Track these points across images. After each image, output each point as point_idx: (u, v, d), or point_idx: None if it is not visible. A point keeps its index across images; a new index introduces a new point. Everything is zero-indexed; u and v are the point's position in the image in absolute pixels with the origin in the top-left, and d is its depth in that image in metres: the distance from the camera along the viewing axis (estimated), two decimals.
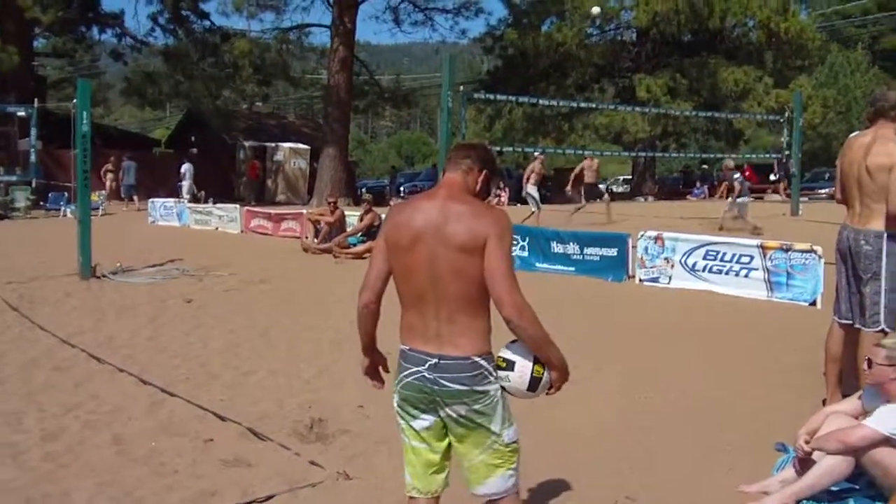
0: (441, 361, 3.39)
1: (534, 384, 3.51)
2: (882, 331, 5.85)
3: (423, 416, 3.52)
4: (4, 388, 7.49)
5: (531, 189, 21.23)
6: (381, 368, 3.84)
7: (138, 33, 39.26)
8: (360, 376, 7.61)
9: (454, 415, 3.43)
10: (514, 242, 14.01)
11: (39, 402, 6.99)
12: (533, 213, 20.44)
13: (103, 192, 30.11)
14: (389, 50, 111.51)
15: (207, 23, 38.39)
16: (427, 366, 3.41)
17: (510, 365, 3.50)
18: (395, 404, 3.59)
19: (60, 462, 5.65)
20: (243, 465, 5.60)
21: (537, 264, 13.55)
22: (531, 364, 3.48)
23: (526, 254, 13.79)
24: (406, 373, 3.47)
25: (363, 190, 38.15)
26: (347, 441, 6.04)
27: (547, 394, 3.61)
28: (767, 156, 30.94)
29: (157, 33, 38.85)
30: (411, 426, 3.57)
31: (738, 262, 11.38)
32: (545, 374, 3.50)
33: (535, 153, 24.03)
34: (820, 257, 10.32)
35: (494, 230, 3.34)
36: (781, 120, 24.95)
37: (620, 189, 38.37)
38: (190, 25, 38.18)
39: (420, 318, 3.44)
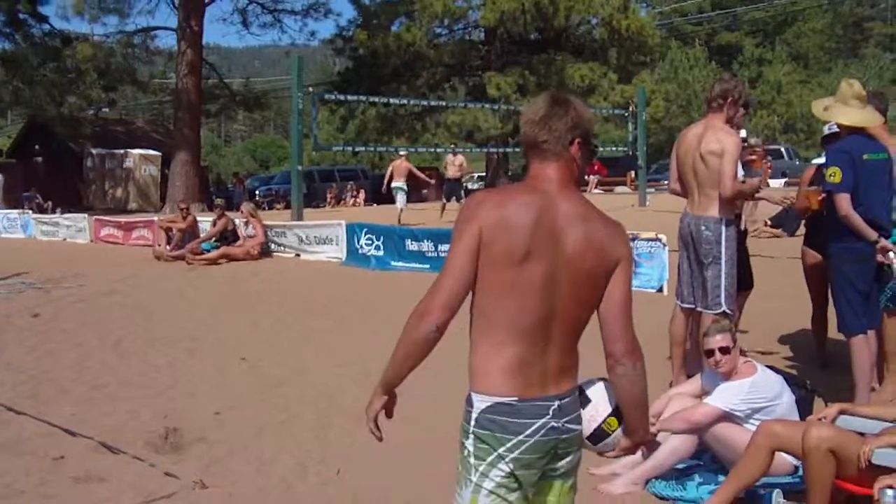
0: (562, 402, 2.65)
1: (597, 436, 2.78)
2: (723, 312, 6.13)
3: (527, 488, 2.68)
4: None
5: (400, 183, 21.49)
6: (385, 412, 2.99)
7: None
8: (216, 383, 7.61)
9: (563, 467, 2.73)
10: (369, 242, 14.08)
11: None
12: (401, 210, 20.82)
13: None
14: (241, 53, 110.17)
15: (47, 26, 37.06)
16: (552, 413, 2.62)
17: (584, 401, 2.79)
18: (495, 485, 2.61)
19: None
20: (95, 480, 5.46)
21: (393, 262, 13.63)
22: (607, 413, 2.78)
23: (381, 253, 13.85)
24: (528, 431, 2.58)
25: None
26: (204, 449, 5.97)
27: (600, 454, 2.92)
28: (615, 149, 31.74)
29: None
30: None
31: None
32: (616, 431, 2.79)
33: (402, 151, 24.23)
34: (665, 245, 10.67)
35: (626, 251, 2.75)
36: (626, 114, 25.75)
37: (476, 186, 38.78)
38: (28, 30, 36.76)
39: (531, 355, 2.60)
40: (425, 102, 32.72)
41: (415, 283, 12.84)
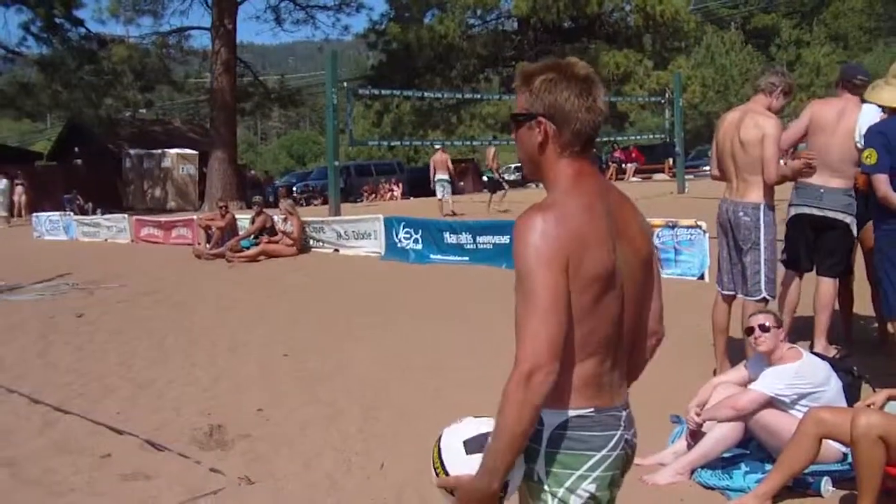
0: (627, 411, 2.42)
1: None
2: (763, 299, 6.07)
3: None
4: None
5: (443, 176, 21.72)
6: None
7: (10, 43, 38.07)
8: (259, 380, 7.65)
9: (620, 483, 2.44)
10: (408, 235, 14.07)
11: None
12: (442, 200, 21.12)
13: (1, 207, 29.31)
14: (274, 50, 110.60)
15: (83, 30, 37.43)
16: (623, 423, 2.37)
17: None
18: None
19: None
20: (142, 477, 5.51)
21: (432, 256, 13.60)
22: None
23: (420, 246, 13.83)
24: (611, 445, 2.31)
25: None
26: (248, 446, 5.99)
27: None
28: (652, 137, 31.56)
29: (30, 42, 37.69)
30: None
31: None
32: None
33: (436, 146, 24.28)
34: (705, 232, 10.57)
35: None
36: (663, 101, 25.56)
37: (512, 177, 38.68)
38: (65, 33, 37.14)
39: (606, 363, 2.32)
40: (460, 94, 32.70)
41: (454, 276, 12.96)
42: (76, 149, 42.29)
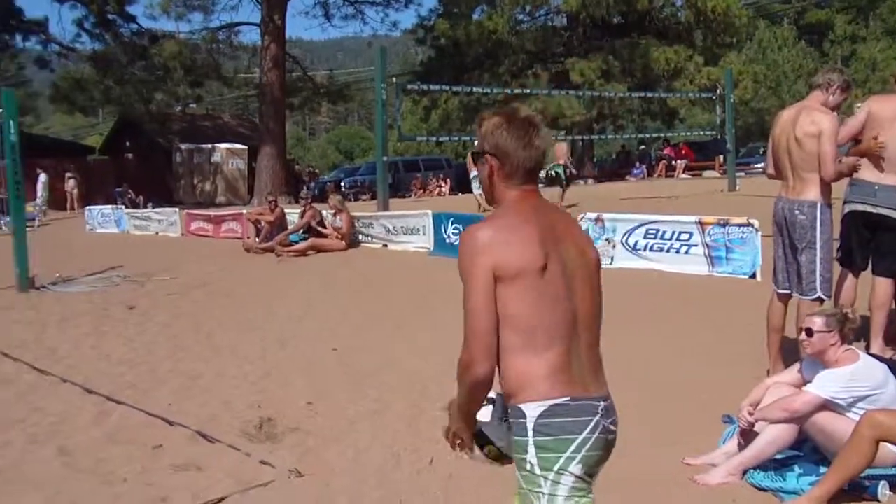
0: (606, 403, 2.69)
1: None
2: (818, 299, 5.98)
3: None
4: None
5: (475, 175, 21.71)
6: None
7: (64, 39, 38.60)
8: (307, 373, 7.68)
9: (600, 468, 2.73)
10: (457, 231, 14.05)
11: None
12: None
13: (38, 202, 29.63)
14: (323, 46, 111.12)
15: (135, 26, 37.86)
16: (601, 412, 2.64)
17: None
18: (568, 490, 2.58)
19: (5, 478, 5.55)
20: (193, 468, 5.55)
21: None
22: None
23: None
24: (589, 428, 2.59)
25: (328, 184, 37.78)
26: (297, 439, 6.01)
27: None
28: (703, 133, 31.26)
29: (83, 38, 38.22)
30: None
31: (677, 239, 11.49)
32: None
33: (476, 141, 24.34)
34: (757, 230, 10.45)
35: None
36: (714, 97, 25.33)
37: (553, 173, 38.61)
38: (117, 29, 37.62)
39: (568, 357, 2.62)
40: (508, 90, 32.54)
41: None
42: (127, 143, 42.82)
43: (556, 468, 2.55)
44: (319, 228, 16.01)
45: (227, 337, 9.58)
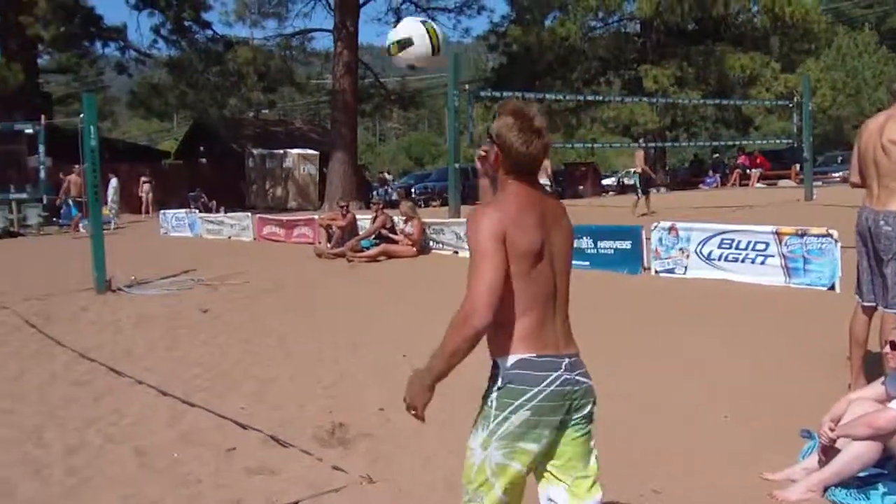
0: (572, 360, 3.15)
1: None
2: None
3: (547, 435, 3.09)
4: (25, 404, 7.49)
5: (544, 182, 21.81)
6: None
7: (142, 46, 39.52)
8: (379, 379, 7.67)
9: (578, 418, 3.16)
10: None
11: (60, 417, 7.00)
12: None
13: (115, 205, 30.19)
14: None
15: (210, 32, 38.58)
16: (564, 367, 3.09)
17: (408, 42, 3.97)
18: (510, 431, 3.05)
19: (82, 476, 5.64)
20: (266, 472, 5.58)
21: None
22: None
23: None
24: (546, 382, 3.03)
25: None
26: (369, 445, 6.00)
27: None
28: (779, 141, 30.73)
29: (160, 45, 39.11)
30: (534, 452, 3.09)
31: (753, 249, 11.30)
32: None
33: None
34: (836, 241, 10.23)
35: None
36: (791, 105, 24.87)
37: (632, 181, 38.34)
38: (193, 36, 38.35)
39: (544, 323, 3.11)
40: (581, 97, 32.41)
41: (574, 281, 12.71)
42: (201, 148, 43.45)
43: (507, 411, 3.05)
44: (390, 234, 16.06)
45: (298, 341, 9.63)
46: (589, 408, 3.20)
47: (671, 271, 12.17)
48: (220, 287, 13.83)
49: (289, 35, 38.36)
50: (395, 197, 34.78)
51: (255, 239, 22.16)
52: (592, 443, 3.23)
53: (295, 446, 5.99)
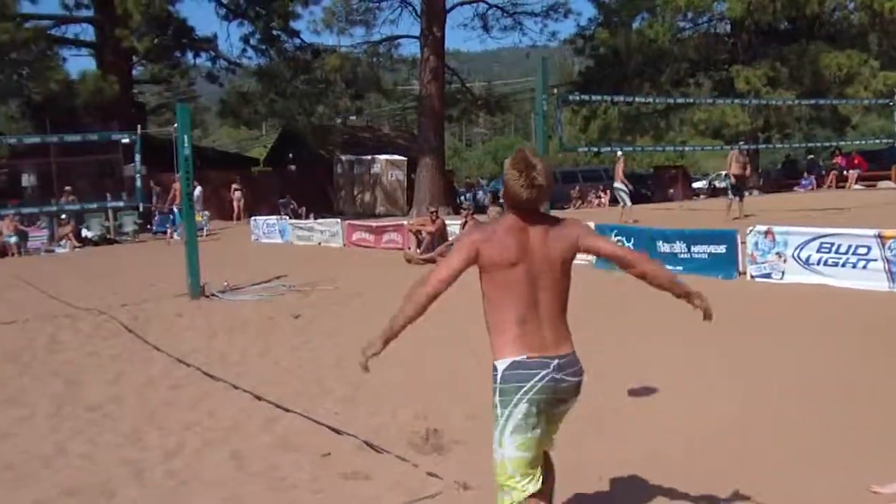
0: (561, 361, 3.74)
1: None
2: None
3: (545, 416, 3.82)
4: (124, 407, 7.63)
5: (620, 185, 22.03)
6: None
7: (231, 55, 40.21)
8: (473, 385, 7.61)
9: (558, 413, 3.89)
10: (619, 242, 13.78)
11: (158, 421, 7.11)
12: (625, 208, 21.48)
13: (207, 212, 30.73)
14: (479, 57, 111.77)
15: (298, 41, 39.03)
16: (552, 367, 3.71)
17: None
18: (517, 421, 3.72)
19: (181, 479, 5.72)
20: (361, 477, 5.57)
21: None
22: None
23: None
24: (536, 378, 3.68)
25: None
26: (463, 451, 5.95)
27: None
28: (878, 141, 29.89)
29: (249, 54, 39.70)
30: (537, 437, 3.79)
31: (854, 253, 10.97)
32: None
33: (619, 152, 24.05)
34: None
35: (578, 230, 3.95)
36: (891, 104, 24.18)
37: (723, 184, 37.65)
38: (281, 45, 38.84)
39: (529, 330, 3.74)
40: (670, 100, 31.98)
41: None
42: (290, 155, 43.95)
43: (509, 406, 3.69)
44: None
45: (390, 347, 9.60)
46: (571, 402, 3.87)
47: (768, 276, 11.88)
48: (311, 293, 13.94)
49: (376, 42, 38.60)
50: (486, 202, 34.69)
51: (344, 245, 22.32)
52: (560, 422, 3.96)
53: (389, 452, 5.99)
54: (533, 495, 3.85)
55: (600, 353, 7.65)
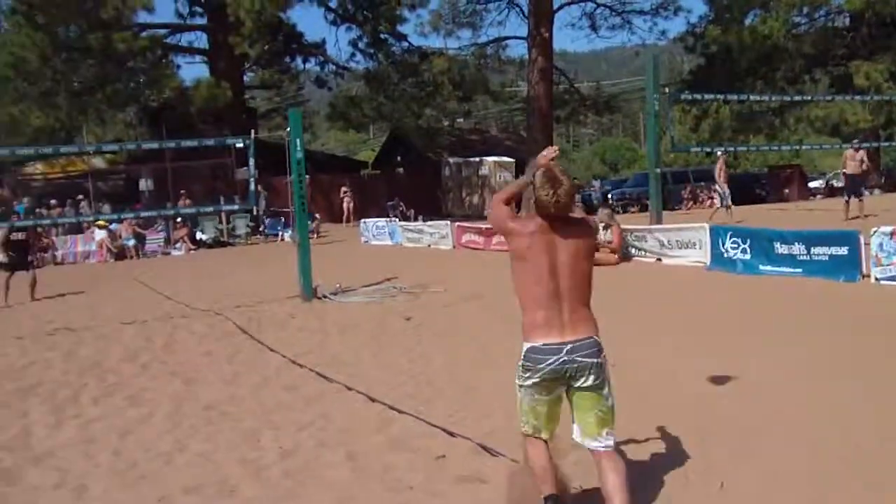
0: (574, 345, 4.46)
1: None
2: None
3: (552, 390, 4.61)
4: (241, 407, 7.74)
5: (722, 186, 21.80)
6: None
7: (340, 60, 40.69)
8: None
9: (582, 383, 4.51)
10: (735, 245, 13.45)
11: (274, 421, 7.18)
12: (719, 209, 21.41)
13: (317, 215, 31.15)
14: (586, 57, 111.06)
15: (406, 44, 39.31)
16: (565, 352, 4.44)
17: None
18: (529, 386, 4.60)
19: (299, 479, 5.76)
20: (476, 481, 5.52)
21: (761, 267, 12.92)
22: None
23: (748, 256, 13.17)
24: (547, 363, 4.46)
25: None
26: (579, 455, 5.82)
27: None
28: None
29: (357, 58, 40.18)
30: (545, 399, 4.64)
31: None
32: None
33: (719, 152, 23.53)
34: None
35: (590, 230, 4.79)
36: None
37: (840, 184, 36.54)
38: (389, 48, 39.20)
39: (550, 316, 4.51)
40: (785, 97, 31.10)
41: (785, 289, 12.23)
42: (398, 157, 44.29)
43: (526, 375, 4.55)
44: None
45: (502, 349, 9.52)
46: (591, 379, 4.48)
47: (894, 279, 11.42)
48: (421, 295, 13.96)
49: (483, 44, 38.59)
50: (597, 201, 34.42)
51: (454, 247, 22.34)
52: (601, 402, 4.56)
53: (504, 455, 5.90)
54: (543, 441, 4.75)
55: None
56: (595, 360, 4.45)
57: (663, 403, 6.94)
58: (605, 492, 4.44)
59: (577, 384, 4.47)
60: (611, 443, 4.56)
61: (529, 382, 4.53)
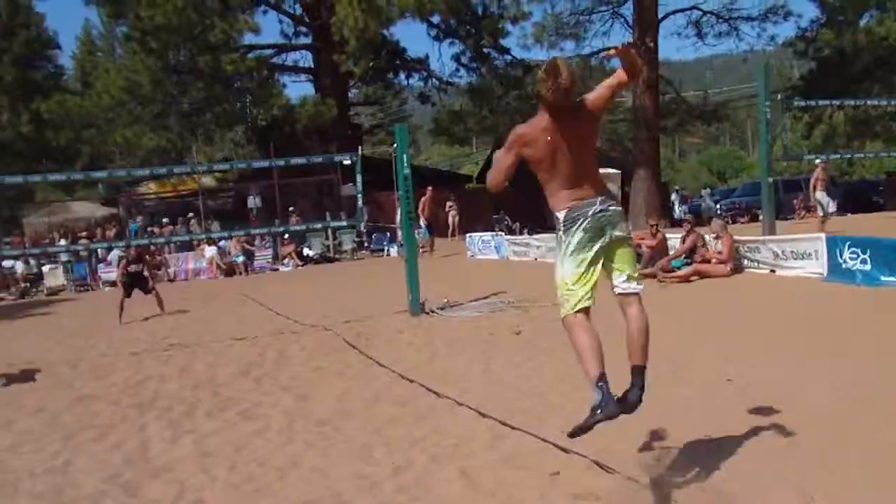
0: (600, 198, 5.21)
1: None
2: None
3: (598, 241, 5.15)
4: (353, 422, 7.79)
5: (820, 195, 21.26)
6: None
7: (443, 74, 40.85)
8: (701, 405, 7.31)
9: (614, 232, 5.18)
10: (854, 255, 12.97)
11: (386, 436, 7.20)
12: (823, 217, 20.74)
13: (420, 229, 31.29)
14: (691, 66, 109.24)
15: (509, 57, 39.24)
16: (598, 203, 5.13)
17: None
18: (575, 243, 5.11)
19: (412, 494, 5.76)
20: (592, 498, 5.44)
21: (882, 278, 12.40)
22: None
23: (868, 267, 12.66)
24: (589, 212, 5.08)
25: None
26: (700, 473, 5.67)
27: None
28: None
29: (460, 73, 40.25)
30: (589, 257, 5.14)
31: None
32: None
33: (817, 160, 22.87)
34: None
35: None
36: None
37: None
38: (492, 62, 39.20)
39: (574, 187, 5.13)
40: None
41: None
42: None
43: (570, 232, 5.06)
44: (702, 253, 15.53)
45: (614, 364, 9.38)
46: (622, 227, 5.19)
47: None
48: (531, 309, 13.85)
49: (587, 55, 38.30)
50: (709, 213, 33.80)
51: None
52: (633, 252, 5.34)
53: (619, 472, 5.79)
54: (583, 310, 5.21)
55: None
56: (620, 209, 5.22)
57: (789, 420, 6.68)
58: (629, 333, 5.57)
59: (615, 233, 5.13)
60: (642, 287, 5.39)
61: (576, 237, 5.04)
